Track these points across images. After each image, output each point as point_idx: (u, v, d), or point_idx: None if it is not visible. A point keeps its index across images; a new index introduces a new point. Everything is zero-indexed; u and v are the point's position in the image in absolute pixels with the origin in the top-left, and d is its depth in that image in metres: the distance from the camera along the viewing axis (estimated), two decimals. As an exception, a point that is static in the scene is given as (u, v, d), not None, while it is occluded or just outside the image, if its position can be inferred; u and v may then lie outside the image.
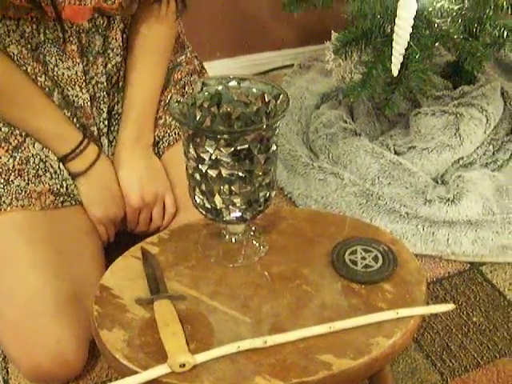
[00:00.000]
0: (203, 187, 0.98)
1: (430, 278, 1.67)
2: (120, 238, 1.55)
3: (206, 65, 1.77)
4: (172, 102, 0.96)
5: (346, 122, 2.09)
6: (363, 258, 1.06)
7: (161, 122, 1.59)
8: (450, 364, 1.43)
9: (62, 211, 1.43)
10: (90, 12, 1.39)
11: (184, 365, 0.87)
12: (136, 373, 0.88)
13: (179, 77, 1.64)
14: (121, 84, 1.54)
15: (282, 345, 0.92)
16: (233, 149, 0.91)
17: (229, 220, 1.01)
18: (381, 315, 0.96)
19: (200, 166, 0.95)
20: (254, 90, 1.00)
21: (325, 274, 1.05)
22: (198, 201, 1.01)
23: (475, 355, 1.45)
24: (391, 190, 1.87)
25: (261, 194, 0.99)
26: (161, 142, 1.59)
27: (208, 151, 0.92)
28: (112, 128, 1.55)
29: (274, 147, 0.97)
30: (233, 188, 0.96)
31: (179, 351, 0.89)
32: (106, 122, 1.52)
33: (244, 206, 0.99)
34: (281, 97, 0.97)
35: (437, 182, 1.94)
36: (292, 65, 2.68)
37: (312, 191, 1.91)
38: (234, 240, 1.09)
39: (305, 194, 1.93)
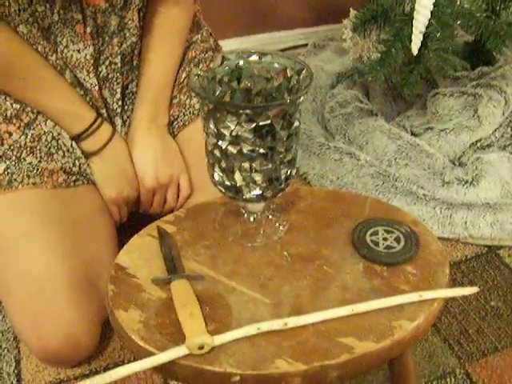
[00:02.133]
0: (223, 164, 0.95)
1: (447, 262, 1.65)
2: (132, 218, 1.52)
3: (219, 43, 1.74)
4: (192, 76, 0.93)
5: (361, 102, 2.07)
6: (385, 239, 1.04)
7: (175, 101, 1.57)
8: (468, 348, 1.41)
9: (75, 190, 1.41)
10: None
11: (202, 346, 0.85)
12: (153, 354, 0.86)
13: (193, 55, 1.61)
14: (135, 63, 1.51)
15: (302, 327, 0.90)
16: (254, 124, 0.88)
17: (249, 198, 0.98)
18: (404, 298, 0.93)
19: (220, 143, 0.92)
20: (276, 65, 0.97)
21: (346, 254, 1.03)
22: (218, 178, 0.98)
23: (493, 339, 1.44)
24: (408, 171, 1.85)
25: (282, 172, 0.96)
26: (175, 122, 1.57)
27: (229, 127, 0.89)
28: (126, 107, 1.53)
29: (296, 123, 0.94)
30: (253, 165, 0.93)
31: (197, 332, 0.86)
32: (120, 103, 1.50)
33: (264, 184, 0.96)
34: (303, 72, 0.94)
35: (454, 164, 1.92)
36: (305, 44, 2.67)
37: (327, 171, 1.90)
38: (252, 219, 1.07)
39: (320, 174, 1.91)
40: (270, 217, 1.09)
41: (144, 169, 1.47)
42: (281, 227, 1.08)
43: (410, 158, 1.86)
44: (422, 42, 1.59)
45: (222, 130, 0.90)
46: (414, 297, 0.94)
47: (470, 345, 1.42)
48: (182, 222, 1.10)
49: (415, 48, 1.59)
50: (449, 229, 1.71)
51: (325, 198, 1.15)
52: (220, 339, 0.87)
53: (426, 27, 1.55)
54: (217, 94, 0.96)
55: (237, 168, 0.94)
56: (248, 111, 0.88)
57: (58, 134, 1.41)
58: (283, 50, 2.74)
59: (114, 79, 1.46)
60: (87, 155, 1.44)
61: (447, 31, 1.56)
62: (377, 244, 1.03)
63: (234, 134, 0.90)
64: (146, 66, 1.50)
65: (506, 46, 1.61)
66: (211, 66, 0.97)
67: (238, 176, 0.95)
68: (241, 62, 0.97)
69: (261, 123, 0.88)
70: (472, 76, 2.03)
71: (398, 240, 1.04)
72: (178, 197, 1.52)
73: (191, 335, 0.86)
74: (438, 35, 1.55)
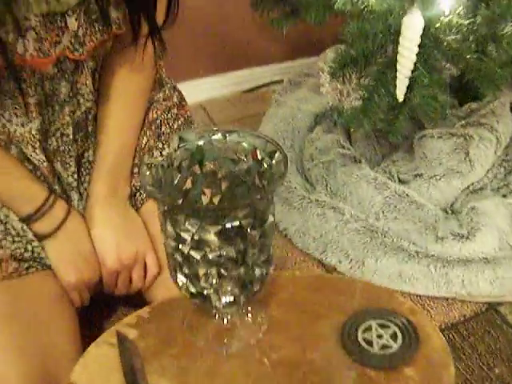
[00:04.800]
0: (185, 270, 0.81)
1: (444, 323, 1.56)
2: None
3: (188, 84, 1.64)
4: (143, 168, 0.78)
5: (343, 148, 1.97)
6: (379, 337, 0.91)
7: (137, 170, 1.43)
8: (475, 424, 1.31)
9: (27, 279, 1.28)
10: (54, 60, 1.23)
11: None
12: None
13: (154, 116, 1.49)
14: (90, 129, 1.39)
15: None
16: (220, 227, 0.75)
17: (219, 306, 0.84)
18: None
19: (181, 247, 0.78)
20: (245, 145, 0.83)
21: (335, 358, 0.90)
22: (181, 284, 0.84)
23: (500, 413, 1.33)
24: (398, 225, 1.76)
25: (256, 273, 0.83)
26: (138, 194, 1.44)
27: (189, 230, 0.76)
28: (82, 179, 1.40)
29: (270, 218, 0.80)
30: (222, 271, 0.79)
31: None
32: (76, 176, 1.37)
33: (236, 290, 0.82)
34: (276, 155, 0.80)
35: (446, 212, 1.83)
36: (281, 80, 2.57)
37: (310, 228, 1.80)
38: (226, 321, 0.93)
39: (302, 230, 1.81)
40: (247, 315, 0.95)
41: (104, 249, 1.34)
42: (259, 326, 0.94)
43: (399, 211, 1.76)
44: (407, 85, 1.47)
45: (181, 233, 0.77)
46: (418, 411, 0.81)
47: (476, 420, 1.32)
48: (146, 324, 0.97)
49: (400, 94, 1.46)
50: (445, 288, 1.62)
51: (309, 286, 1.03)
52: None
53: (412, 71, 1.43)
54: (176, 182, 0.82)
55: (202, 274, 0.80)
56: (211, 213, 0.74)
57: (6, 217, 1.27)
58: (258, 87, 2.70)
59: (66, 152, 1.33)
60: (40, 238, 1.30)
61: (435, 76, 1.43)
62: (370, 343, 0.90)
63: (195, 238, 0.76)
64: (103, 134, 1.37)
65: (499, 89, 1.48)
66: (166, 151, 0.83)
67: (204, 283, 0.81)
68: (202, 143, 0.84)
69: (227, 225, 0.74)
70: (460, 114, 1.93)
71: (394, 337, 0.91)
72: (146, 275, 1.38)
73: None
74: (426, 81, 1.42)
